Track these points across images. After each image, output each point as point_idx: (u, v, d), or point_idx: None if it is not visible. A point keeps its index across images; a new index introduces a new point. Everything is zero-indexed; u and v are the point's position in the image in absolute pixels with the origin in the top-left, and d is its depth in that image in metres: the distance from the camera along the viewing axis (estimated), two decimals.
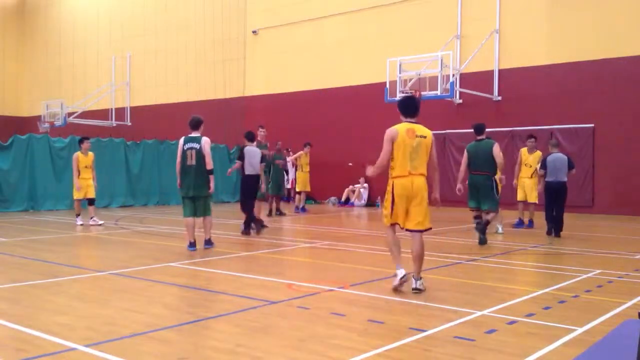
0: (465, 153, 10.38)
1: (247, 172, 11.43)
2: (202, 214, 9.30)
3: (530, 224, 12.84)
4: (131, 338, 4.37)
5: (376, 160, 6.31)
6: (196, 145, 9.10)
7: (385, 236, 6.44)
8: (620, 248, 9.82)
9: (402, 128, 6.19)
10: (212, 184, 9.25)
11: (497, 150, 10.03)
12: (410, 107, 6.39)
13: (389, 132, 6.21)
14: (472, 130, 10.66)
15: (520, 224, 12.86)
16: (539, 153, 12.89)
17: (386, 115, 19.18)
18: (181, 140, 9.27)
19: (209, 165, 9.15)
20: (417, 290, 6.07)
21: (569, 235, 11.78)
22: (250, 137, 11.84)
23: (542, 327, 4.83)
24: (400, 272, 6.16)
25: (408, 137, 6.12)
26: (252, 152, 11.56)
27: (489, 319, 5.07)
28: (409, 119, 6.32)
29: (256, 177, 11.54)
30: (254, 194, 11.58)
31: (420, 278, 6.18)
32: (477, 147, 10.26)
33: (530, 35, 17.11)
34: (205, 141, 9.16)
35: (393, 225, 6.33)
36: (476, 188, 10.11)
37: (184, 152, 9.16)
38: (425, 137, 6.20)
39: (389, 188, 6.25)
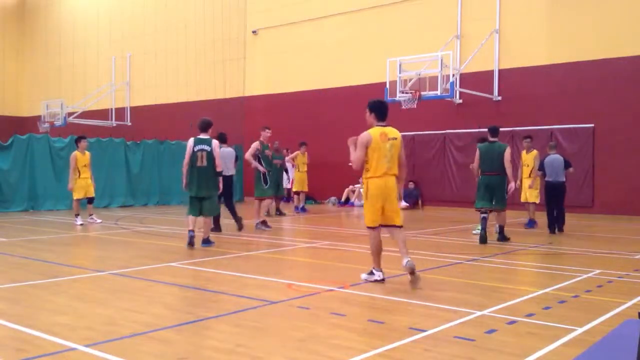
0: (478, 152, 10.55)
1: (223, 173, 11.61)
2: (208, 214, 9.60)
3: (531, 223, 12.96)
4: (131, 338, 4.37)
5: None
6: (207, 148, 9.38)
7: (370, 237, 6.76)
8: (620, 248, 9.83)
9: (376, 133, 6.47)
10: (220, 185, 9.73)
11: (508, 156, 10.19)
12: (384, 111, 6.63)
13: (363, 137, 6.46)
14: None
15: (530, 223, 13.03)
16: (535, 152, 13.08)
17: None
18: (191, 141, 9.45)
19: (219, 167, 9.51)
20: (410, 267, 6.34)
21: (569, 235, 11.79)
22: (223, 138, 11.95)
23: (542, 327, 4.83)
24: (379, 275, 6.65)
25: (381, 140, 6.43)
26: (226, 153, 11.82)
27: (489, 319, 5.07)
28: (380, 123, 6.58)
29: (231, 178, 11.95)
30: (229, 194, 11.95)
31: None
32: (489, 149, 10.42)
33: (530, 35, 17.10)
34: (216, 144, 9.49)
35: (377, 227, 6.65)
36: (491, 188, 10.29)
37: (194, 153, 9.37)
38: (396, 138, 6.55)
39: (365, 188, 6.61)
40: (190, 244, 9.19)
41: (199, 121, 9.66)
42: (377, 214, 6.58)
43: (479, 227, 10.54)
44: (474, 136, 17.56)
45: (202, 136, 9.48)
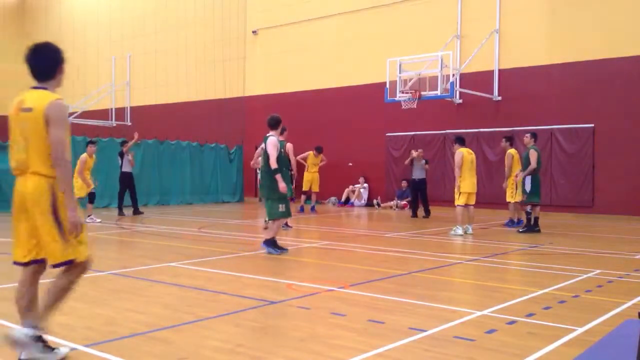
0: (537, 154, 11.91)
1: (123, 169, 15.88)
2: (267, 217, 9.26)
3: (511, 222, 13.17)
4: (131, 338, 4.37)
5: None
6: (263, 145, 9.02)
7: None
8: (620, 248, 9.83)
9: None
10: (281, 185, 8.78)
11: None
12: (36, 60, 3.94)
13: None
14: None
15: (509, 223, 13.32)
16: (512, 151, 13.21)
17: (386, 115, 19.30)
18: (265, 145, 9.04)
19: (274, 165, 8.82)
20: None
21: (569, 235, 11.81)
22: (121, 152, 16.07)
23: (542, 327, 4.83)
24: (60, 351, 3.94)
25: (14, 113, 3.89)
26: (125, 160, 16.01)
27: (489, 319, 5.07)
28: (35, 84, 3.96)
29: (130, 174, 16.02)
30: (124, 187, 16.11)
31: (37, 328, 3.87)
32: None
33: (530, 35, 17.10)
34: (270, 141, 8.94)
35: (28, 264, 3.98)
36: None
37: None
38: (31, 109, 3.78)
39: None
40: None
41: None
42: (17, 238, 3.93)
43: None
44: (472, 136, 17.61)
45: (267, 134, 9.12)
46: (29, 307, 3.92)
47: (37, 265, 3.93)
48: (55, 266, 3.85)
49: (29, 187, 3.78)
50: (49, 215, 3.74)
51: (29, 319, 3.87)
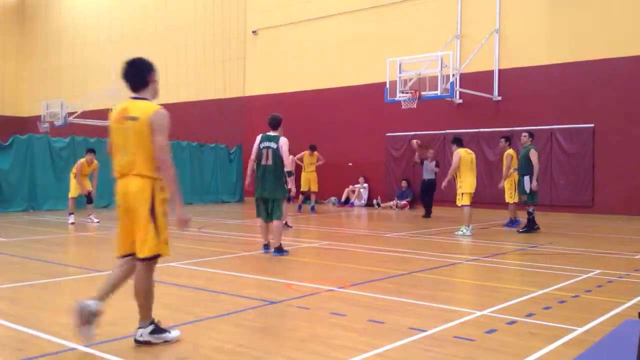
0: (537, 154, 11.93)
1: None
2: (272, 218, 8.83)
3: (511, 223, 13.18)
4: (131, 338, 4.36)
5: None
6: (273, 145, 8.78)
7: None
8: (620, 248, 9.83)
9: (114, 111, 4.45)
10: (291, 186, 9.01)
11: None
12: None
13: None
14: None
15: (509, 223, 13.33)
16: (511, 151, 13.13)
17: (386, 115, 19.30)
18: (257, 138, 8.97)
19: (288, 166, 8.85)
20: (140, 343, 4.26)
21: (569, 235, 11.81)
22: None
23: (542, 327, 4.83)
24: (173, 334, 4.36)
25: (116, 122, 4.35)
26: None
27: (489, 319, 5.07)
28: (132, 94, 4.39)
29: None
30: None
31: (149, 324, 4.30)
32: None
33: (530, 35, 17.09)
34: (283, 141, 8.81)
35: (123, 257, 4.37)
36: None
37: (259, 150, 8.84)
38: (136, 118, 4.20)
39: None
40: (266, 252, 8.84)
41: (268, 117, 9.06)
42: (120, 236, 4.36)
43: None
44: (472, 135, 17.61)
45: (271, 133, 8.89)
46: (111, 287, 4.30)
47: (131, 258, 4.31)
48: (142, 259, 4.21)
49: (132, 187, 4.26)
50: (148, 213, 4.17)
51: (98, 299, 4.23)
